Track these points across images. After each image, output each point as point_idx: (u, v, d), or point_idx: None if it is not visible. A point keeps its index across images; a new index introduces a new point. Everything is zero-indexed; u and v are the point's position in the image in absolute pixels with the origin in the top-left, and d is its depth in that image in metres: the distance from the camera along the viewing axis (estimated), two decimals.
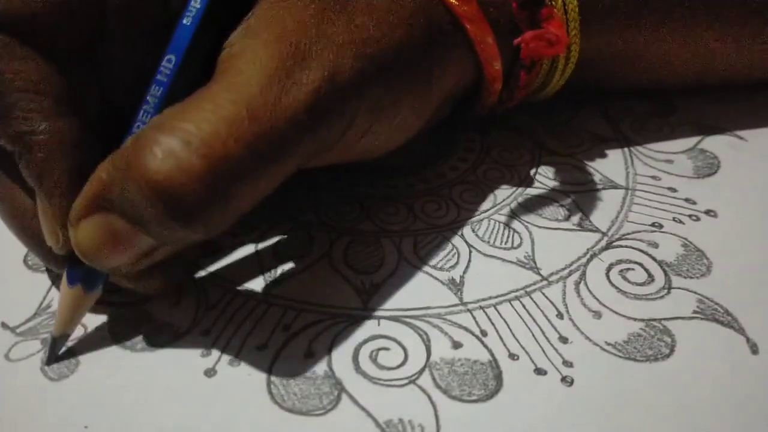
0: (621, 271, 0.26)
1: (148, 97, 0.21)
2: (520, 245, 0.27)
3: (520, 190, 0.29)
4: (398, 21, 0.23)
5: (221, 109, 0.19)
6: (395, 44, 0.23)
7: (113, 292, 0.24)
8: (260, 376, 0.22)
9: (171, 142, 0.18)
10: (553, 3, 0.26)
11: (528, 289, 0.25)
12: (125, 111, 0.21)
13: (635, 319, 0.24)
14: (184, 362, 0.22)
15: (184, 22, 0.21)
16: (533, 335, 0.23)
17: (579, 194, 0.29)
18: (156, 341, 0.23)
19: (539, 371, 0.22)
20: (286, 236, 0.27)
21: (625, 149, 0.31)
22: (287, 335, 0.23)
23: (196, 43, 0.21)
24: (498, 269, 0.26)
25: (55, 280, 0.25)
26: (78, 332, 0.23)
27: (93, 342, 0.23)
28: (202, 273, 0.25)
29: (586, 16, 0.27)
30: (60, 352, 0.22)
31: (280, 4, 0.21)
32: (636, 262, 0.26)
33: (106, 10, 0.22)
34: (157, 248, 0.20)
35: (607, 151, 0.31)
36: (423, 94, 0.25)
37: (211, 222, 0.19)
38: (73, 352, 0.22)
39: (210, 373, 0.22)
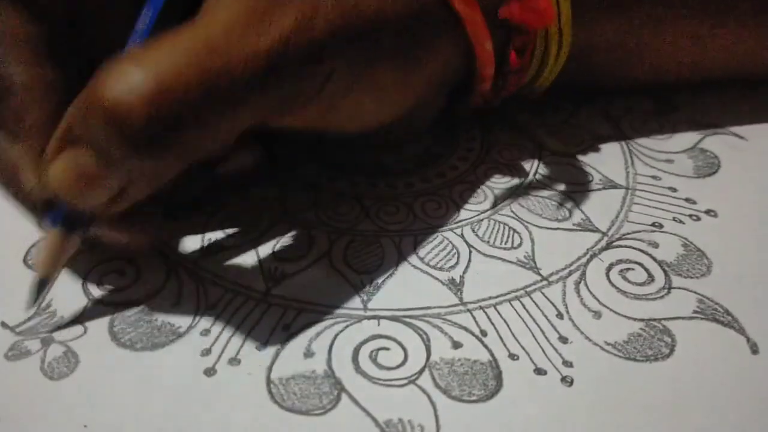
0: (621, 271, 0.26)
1: (139, 24, 0.21)
2: (520, 245, 0.27)
3: (520, 190, 0.29)
4: None
5: (182, 41, 0.19)
6: (375, 10, 0.23)
7: (114, 292, 0.24)
8: (260, 376, 0.22)
9: (127, 68, 0.19)
10: None
11: (528, 289, 0.25)
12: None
13: (635, 319, 0.24)
14: (184, 361, 0.22)
15: None
16: (533, 335, 0.23)
17: (579, 194, 0.29)
18: (156, 340, 0.23)
19: (539, 371, 0.22)
20: (285, 236, 0.27)
21: (626, 149, 0.31)
22: (287, 335, 0.23)
23: None
24: (498, 269, 0.26)
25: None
26: (78, 332, 0.23)
27: (92, 341, 0.23)
28: (201, 272, 0.25)
29: (577, 3, 0.27)
30: (41, 296, 0.23)
31: None
32: (636, 262, 0.26)
33: None
34: (127, 187, 0.20)
35: (608, 151, 0.31)
36: (407, 67, 0.25)
37: (159, 149, 0.19)
38: (75, 354, 0.22)
39: (210, 372, 0.22)
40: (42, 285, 0.23)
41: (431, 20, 0.25)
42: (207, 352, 0.23)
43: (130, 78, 0.19)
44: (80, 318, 0.23)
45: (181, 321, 0.23)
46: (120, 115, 0.19)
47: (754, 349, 0.23)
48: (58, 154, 0.20)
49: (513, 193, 0.29)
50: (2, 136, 0.23)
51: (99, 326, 0.23)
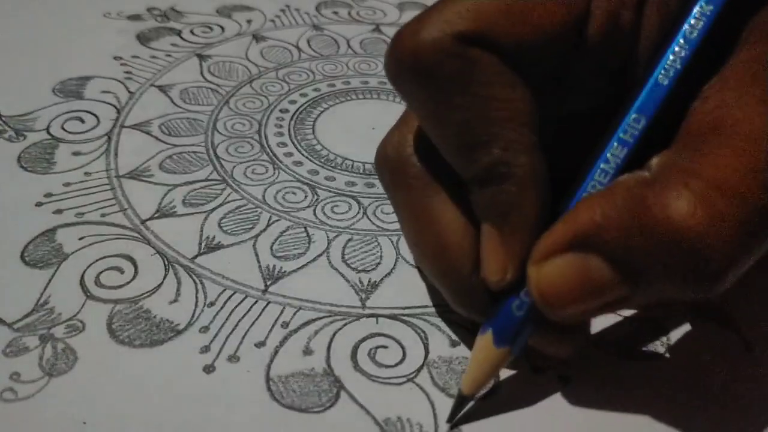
0: None
1: (608, 155, 0.19)
2: None
3: None
4: None
5: (742, 156, 0.17)
6: None
7: (112, 289, 0.24)
8: (259, 373, 0.22)
9: (700, 187, 0.17)
10: None
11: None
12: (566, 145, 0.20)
13: (632, 318, 0.24)
14: (183, 359, 0.22)
15: (659, 80, 0.19)
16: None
17: None
18: (154, 337, 0.23)
19: (536, 369, 0.22)
20: (284, 234, 0.27)
21: None
22: (286, 332, 0.23)
23: (666, 104, 0.19)
24: None
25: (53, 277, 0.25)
26: (76, 329, 0.23)
27: (91, 338, 0.23)
28: (200, 270, 0.25)
29: None
30: (459, 414, 0.21)
31: (763, 57, 0.19)
32: None
33: (581, 40, 0.20)
34: (624, 301, 0.19)
35: None
36: None
37: (728, 283, 0.17)
38: (73, 351, 0.22)
39: (209, 369, 0.22)
40: (462, 402, 0.21)
41: None
42: (206, 349, 0.23)
43: (711, 201, 0.17)
44: (79, 315, 0.23)
45: (180, 318, 0.23)
46: (702, 245, 0.17)
47: (750, 349, 0.23)
48: (559, 255, 0.18)
49: None
50: (455, 219, 0.21)
51: (97, 323, 0.23)
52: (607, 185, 0.19)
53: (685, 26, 0.19)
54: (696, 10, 0.19)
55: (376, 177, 0.30)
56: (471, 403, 0.21)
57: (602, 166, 0.19)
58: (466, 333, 0.23)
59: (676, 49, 0.19)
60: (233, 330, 0.23)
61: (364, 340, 0.23)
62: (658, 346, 0.23)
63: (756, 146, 0.17)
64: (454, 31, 0.19)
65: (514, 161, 0.19)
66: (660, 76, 0.19)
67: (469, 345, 0.23)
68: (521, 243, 0.19)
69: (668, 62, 0.19)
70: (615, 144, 0.19)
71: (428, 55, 0.19)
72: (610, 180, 0.19)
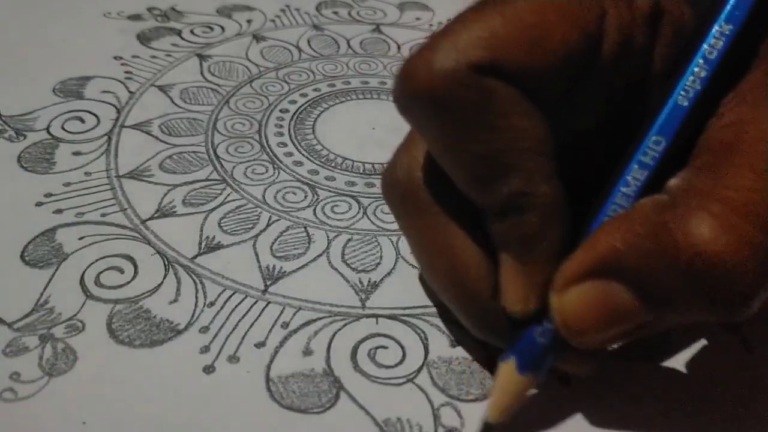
0: None
1: (628, 178, 0.19)
2: None
3: None
4: None
5: (762, 176, 0.17)
6: None
7: (112, 289, 0.24)
8: (259, 374, 0.22)
9: (722, 211, 0.17)
10: None
11: None
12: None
13: None
14: (183, 359, 0.22)
15: (679, 101, 0.19)
16: None
17: None
18: (154, 338, 0.23)
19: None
20: (284, 234, 0.27)
21: None
22: (286, 333, 0.23)
23: (686, 124, 0.19)
24: None
25: (50, 276, 0.25)
26: (76, 328, 0.23)
27: (91, 338, 0.23)
28: (200, 270, 0.25)
29: None
30: None
31: None
32: None
33: (594, 60, 0.19)
34: (649, 326, 0.18)
35: None
36: None
37: (755, 307, 0.17)
38: (73, 350, 0.22)
39: (209, 369, 0.22)
40: (488, 430, 0.20)
41: None
42: (206, 349, 0.23)
43: (733, 224, 0.16)
44: (78, 315, 0.23)
45: (180, 318, 0.23)
46: (729, 270, 0.16)
47: (750, 348, 0.23)
48: (578, 283, 0.18)
49: None
50: (473, 248, 0.21)
51: (97, 323, 0.23)
52: (628, 209, 0.19)
53: (705, 46, 0.19)
54: (715, 29, 0.19)
55: (376, 177, 0.30)
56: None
57: (623, 189, 0.19)
58: (465, 334, 0.23)
59: (696, 69, 0.19)
60: (233, 330, 0.23)
61: (364, 340, 0.23)
62: (658, 347, 0.23)
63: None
64: (469, 62, 0.18)
65: (535, 191, 0.19)
66: (680, 98, 0.19)
67: (469, 346, 0.23)
68: (543, 273, 0.19)
69: (688, 83, 0.19)
70: (635, 166, 0.19)
71: (443, 86, 0.18)
72: (631, 203, 0.19)
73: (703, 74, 0.19)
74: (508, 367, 0.20)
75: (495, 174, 0.19)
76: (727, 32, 0.19)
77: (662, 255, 0.17)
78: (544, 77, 0.19)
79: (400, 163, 0.22)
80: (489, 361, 0.23)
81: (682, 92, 0.19)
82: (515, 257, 0.19)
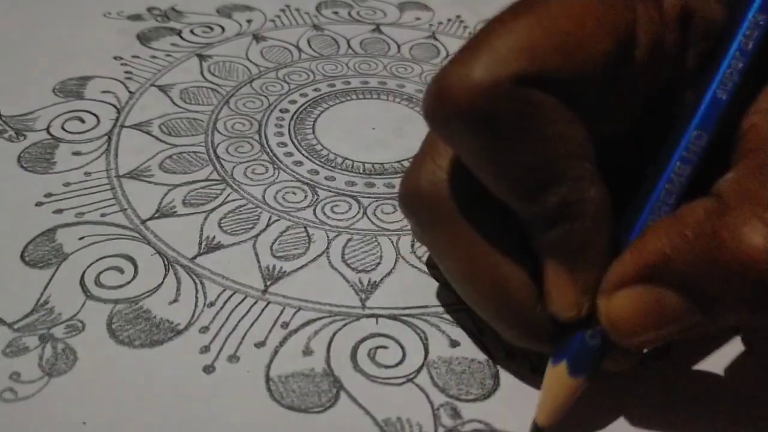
0: None
1: (671, 175, 0.19)
2: None
3: None
4: None
5: None
6: None
7: (112, 289, 0.24)
8: (259, 373, 0.22)
9: None
10: None
11: None
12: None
13: None
14: (183, 359, 0.22)
15: (718, 95, 0.19)
16: None
17: None
18: (154, 338, 0.23)
19: (536, 370, 0.22)
20: (284, 234, 0.27)
21: None
22: (286, 333, 0.23)
23: (725, 118, 0.19)
24: None
25: (51, 276, 0.25)
26: (76, 329, 0.23)
27: (91, 338, 0.23)
28: (199, 269, 0.25)
29: None
30: None
31: None
32: None
33: (628, 64, 0.19)
34: (697, 327, 0.18)
35: None
36: None
37: None
38: (73, 351, 0.22)
39: (209, 369, 0.22)
40: None
41: None
42: (206, 349, 0.23)
43: None
44: (78, 315, 0.23)
45: (180, 318, 0.23)
46: None
47: (750, 348, 0.23)
48: (629, 286, 0.18)
49: None
50: (509, 256, 0.21)
51: (97, 323, 0.23)
52: (672, 206, 0.19)
53: (740, 37, 0.19)
54: (750, 19, 0.19)
55: (376, 177, 0.30)
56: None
57: (666, 186, 0.19)
58: (465, 334, 0.23)
59: (733, 61, 0.19)
60: (233, 330, 0.23)
61: (363, 340, 0.23)
62: (658, 347, 0.23)
63: None
64: (510, 74, 0.17)
65: (583, 197, 0.19)
66: (718, 91, 0.19)
67: (469, 346, 0.23)
68: (593, 278, 0.19)
69: (725, 75, 0.19)
70: (678, 163, 0.19)
71: (484, 101, 0.17)
72: (675, 200, 0.19)
73: (740, 66, 0.19)
74: (558, 371, 0.20)
75: (543, 184, 0.18)
76: (761, 22, 0.19)
77: (713, 262, 0.17)
78: (582, 84, 0.18)
79: (424, 172, 0.21)
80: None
81: (720, 85, 0.19)
82: (564, 264, 0.19)
